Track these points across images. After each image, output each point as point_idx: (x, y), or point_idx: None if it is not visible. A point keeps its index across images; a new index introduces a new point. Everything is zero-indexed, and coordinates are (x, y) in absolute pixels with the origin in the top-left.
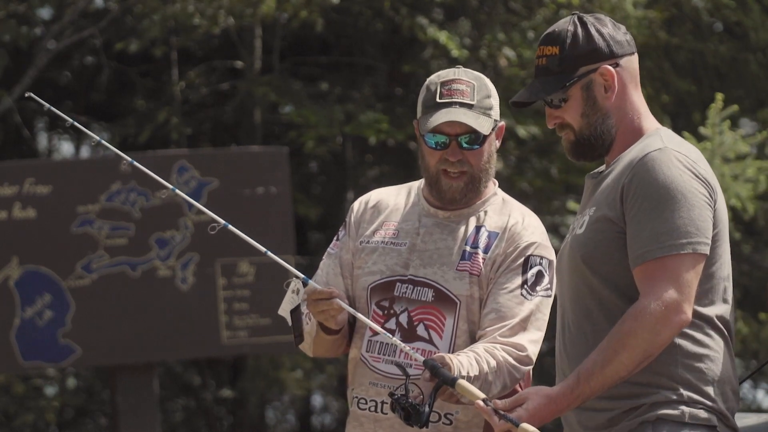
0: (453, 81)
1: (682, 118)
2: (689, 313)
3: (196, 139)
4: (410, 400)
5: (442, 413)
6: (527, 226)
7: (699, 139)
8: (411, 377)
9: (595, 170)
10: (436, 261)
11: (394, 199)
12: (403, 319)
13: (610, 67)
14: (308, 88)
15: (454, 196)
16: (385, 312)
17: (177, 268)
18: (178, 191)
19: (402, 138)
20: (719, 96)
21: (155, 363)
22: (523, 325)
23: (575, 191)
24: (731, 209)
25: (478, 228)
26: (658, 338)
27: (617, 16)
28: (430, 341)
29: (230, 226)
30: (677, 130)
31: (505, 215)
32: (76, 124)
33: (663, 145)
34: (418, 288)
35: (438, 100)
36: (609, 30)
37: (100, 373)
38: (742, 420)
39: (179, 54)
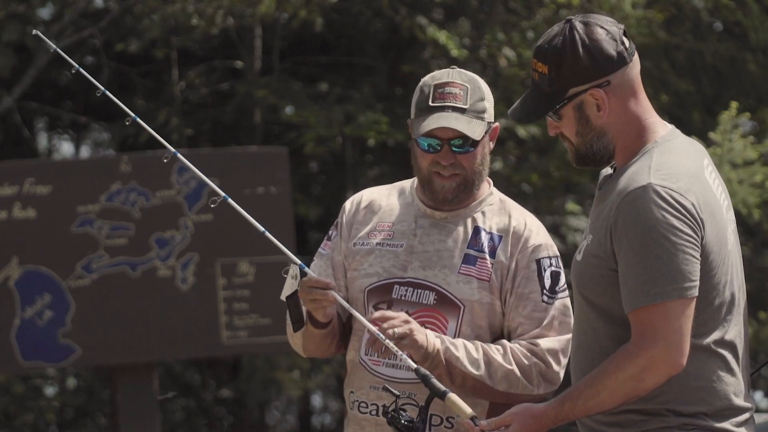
0: (446, 84)
1: (681, 118)
2: (681, 360)
3: (196, 139)
4: (403, 421)
5: (444, 417)
6: (530, 227)
7: (708, 144)
8: (405, 380)
9: (605, 172)
10: (436, 263)
11: (386, 200)
12: None
13: (599, 90)
14: (308, 88)
15: (447, 197)
16: None
17: (177, 268)
18: (179, 155)
19: (402, 138)
20: (734, 104)
21: (155, 363)
22: (543, 333)
23: (575, 191)
24: (737, 214)
25: (477, 229)
26: (641, 384)
27: (616, 16)
28: None
29: (230, 200)
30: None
31: (505, 216)
32: (81, 70)
33: (647, 180)
34: (419, 291)
35: (430, 103)
36: (600, 43)
37: (100, 373)
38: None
39: (179, 54)
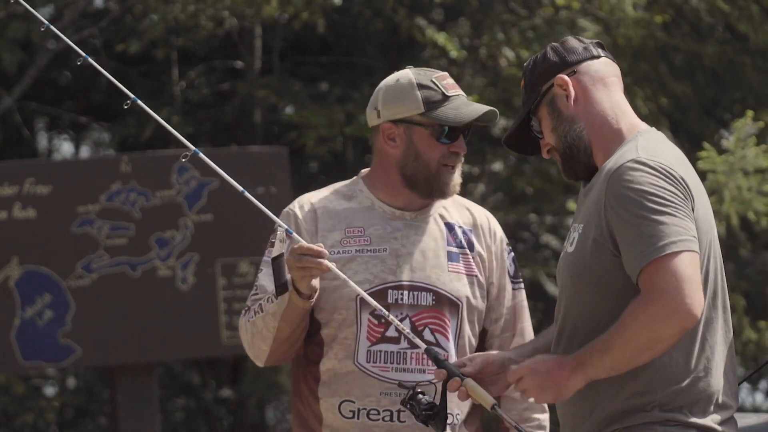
0: (443, 76)
1: (680, 121)
2: (694, 310)
3: (197, 139)
4: (424, 411)
5: (453, 414)
6: (490, 218)
7: (720, 152)
8: (420, 383)
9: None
10: (425, 264)
11: (339, 204)
12: (405, 325)
13: (563, 76)
14: (308, 88)
15: (455, 189)
16: (383, 321)
17: (177, 268)
18: (140, 102)
19: None
20: (749, 113)
21: (155, 363)
22: (523, 325)
23: (574, 192)
24: (745, 221)
25: (448, 225)
26: (654, 335)
27: (616, 17)
28: (438, 345)
29: (201, 154)
30: (675, 133)
31: (465, 210)
32: (82, 53)
33: (636, 155)
34: (415, 293)
35: (447, 93)
36: (567, 42)
37: (100, 373)
38: (742, 420)
39: (179, 54)
